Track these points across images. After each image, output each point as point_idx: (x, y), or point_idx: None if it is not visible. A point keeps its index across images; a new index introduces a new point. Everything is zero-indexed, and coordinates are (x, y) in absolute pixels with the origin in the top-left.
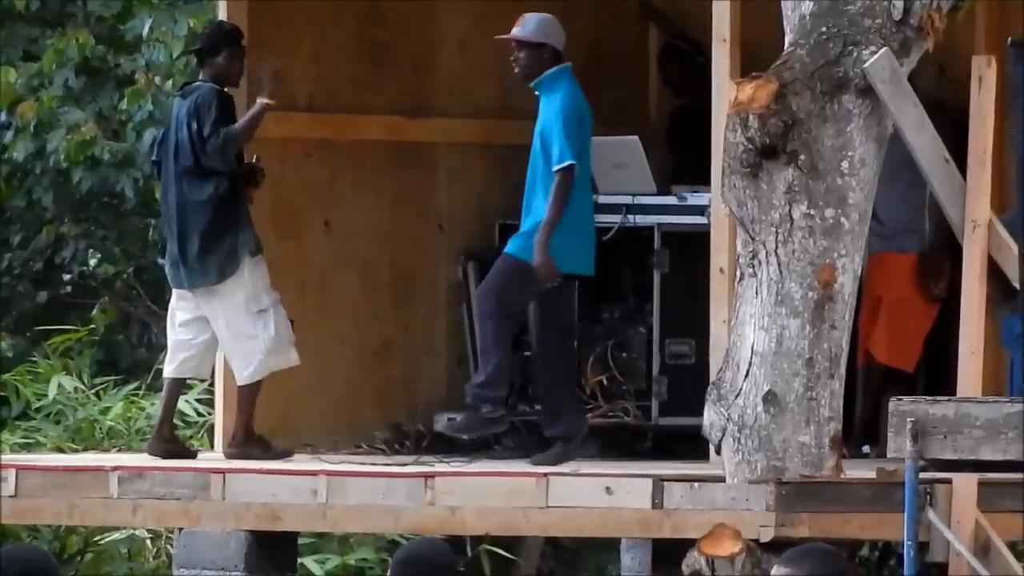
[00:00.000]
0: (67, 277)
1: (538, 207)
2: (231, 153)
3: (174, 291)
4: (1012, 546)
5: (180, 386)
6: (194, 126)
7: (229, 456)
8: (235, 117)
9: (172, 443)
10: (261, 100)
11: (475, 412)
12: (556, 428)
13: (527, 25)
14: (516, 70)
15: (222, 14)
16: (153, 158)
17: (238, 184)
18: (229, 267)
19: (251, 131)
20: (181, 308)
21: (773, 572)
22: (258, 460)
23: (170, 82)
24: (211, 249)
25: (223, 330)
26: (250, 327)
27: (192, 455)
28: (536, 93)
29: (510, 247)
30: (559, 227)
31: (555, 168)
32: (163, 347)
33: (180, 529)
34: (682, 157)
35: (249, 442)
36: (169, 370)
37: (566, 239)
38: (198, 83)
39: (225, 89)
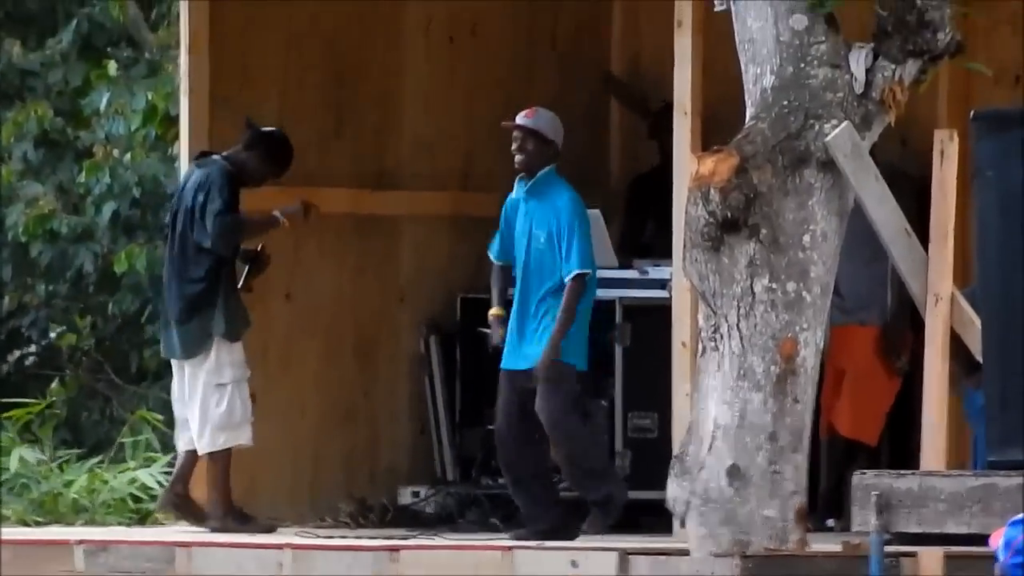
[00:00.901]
0: (29, 349)
1: (553, 303)
2: (234, 240)
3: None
4: None
5: (194, 456)
6: (199, 199)
7: (211, 529)
8: (238, 203)
9: (181, 498)
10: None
11: (607, 511)
12: (597, 492)
13: (543, 120)
14: (520, 158)
15: (183, 74)
16: (165, 220)
17: (228, 266)
18: (201, 344)
19: (256, 232)
20: (175, 380)
21: None
22: (238, 533)
23: (128, 155)
24: (188, 322)
25: (189, 399)
26: (206, 399)
27: (201, 518)
28: (522, 183)
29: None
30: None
31: (574, 274)
32: (124, 420)
33: None
34: (640, 226)
35: (227, 515)
36: (178, 445)
37: (578, 336)
38: (215, 157)
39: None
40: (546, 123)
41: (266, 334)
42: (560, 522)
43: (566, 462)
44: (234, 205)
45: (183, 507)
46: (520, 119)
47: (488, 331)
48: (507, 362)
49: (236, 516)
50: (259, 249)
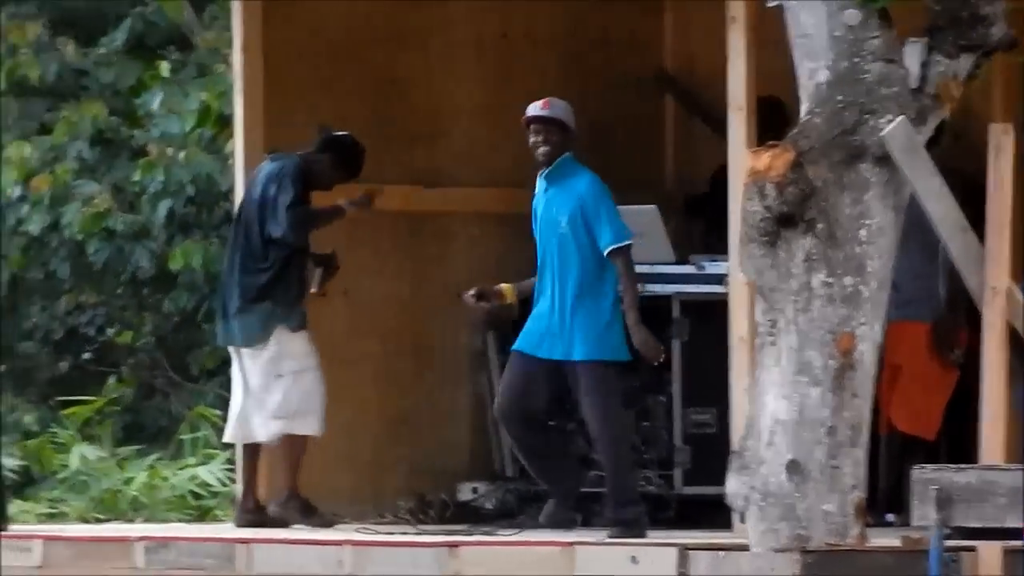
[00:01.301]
0: (87, 348)
1: (578, 290)
2: (305, 230)
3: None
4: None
5: (255, 451)
6: (271, 190)
7: (272, 514)
8: (309, 198)
9: (255, 513)
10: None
11: (632, 532)
12: (627, 512)
13: (559, 109)
14: (546, 149)
15: (236, 74)
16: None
17: (296, 258)
18: (263, 333)
19: (325, 222)
20: (234, 371)
21: None
22: (296, 523)
23: (183, 154)
24: (250, 312)
25: (248, 390)
26: (263, 389)
27: (285, 524)
28: (542, 176)
29: (583, 353)
30: (605, 314)
31: (616, 246)
32: (182, 417)
33: None
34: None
35: (290, 501)
36: (226, 436)
37: (615, 328)
38: (291, 155)
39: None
40: (563, 111)
41: (326, 333)
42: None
43: (611, 469)
44: (306, 199)
45: (259, 522)
46: (539, 111)
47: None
48: (528, 346)
49: (300, 505)
50: (331, 253)
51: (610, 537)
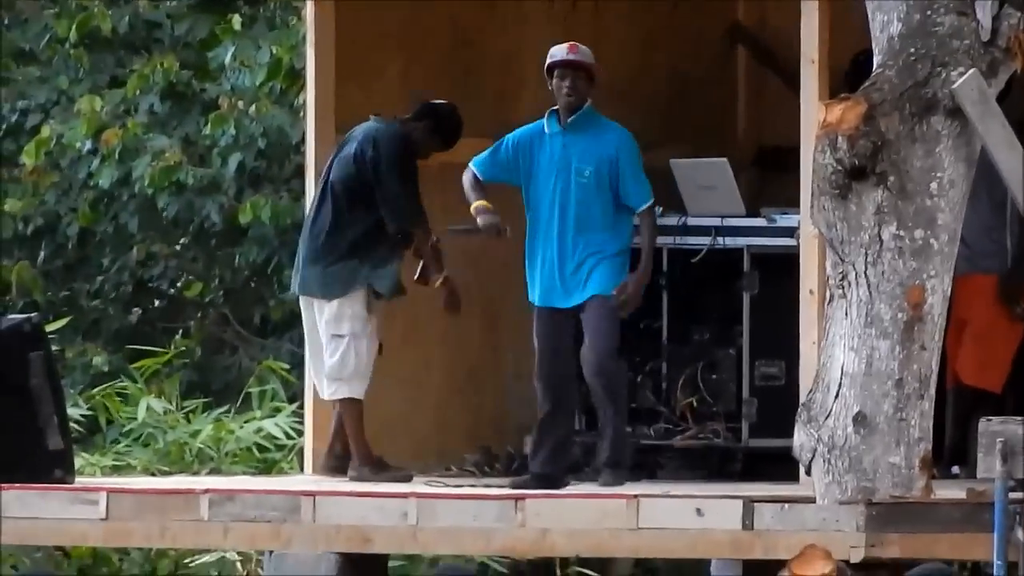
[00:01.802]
0: (157, 301)
1: (594, 238)
2: (407, 223)
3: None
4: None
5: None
6: (369, 152)
7: (349, 478)
8: (410, 171)
9: (339, 460)
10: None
11: (620, 468)
12: (616, 454)
13: (586, 54)
14: (574, 97)
15: (308, 26)
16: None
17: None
18: (344, 287)
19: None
20: (305, 325)
21: None
22: (371, 481)
23: (253, 107)
24: (329, 263)
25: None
26: (323, 348)
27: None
28: (558, 125)
29: (597, 289)
30: (619, 265)
31: (646, 207)
32: (250, 371)
33: (270, 551)
34: None
35: (363, 465)
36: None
37: (624, 274)
38: (397, 121)
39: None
40: (590, 57)
41: (420, 298)
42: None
43: (609, 406)
44: (411, 184)
45: (341, 471)
46: (568, 55)
47: (467, 227)
48: (547, 299)
49: (373, 465)
50: (436, 241)
51: (604, 482)
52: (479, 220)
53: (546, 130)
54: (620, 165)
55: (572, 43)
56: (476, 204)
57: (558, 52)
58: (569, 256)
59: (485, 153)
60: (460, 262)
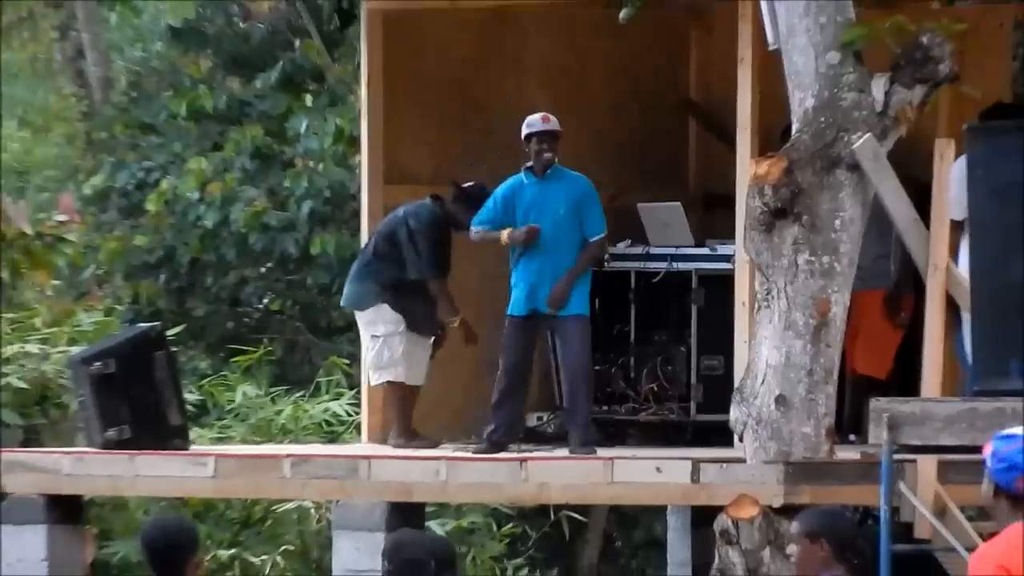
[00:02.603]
0: (248, 313)
1: (565, 260)
2: (422, 274)
3: None
4: (963, 510)
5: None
6: (410, 224)
7: (392, 446)
8: (441, 236)
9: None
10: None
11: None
12: (587, 434)
13: (556, 123)
14: (549, 156)
15: (363, 104)
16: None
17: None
18: (363, 301)
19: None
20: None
21: (792, 527)
22: (407, 448)
23: (321, 165)
24: (361, 284)
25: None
26: (366, 346)
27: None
28: (535, 176)
29: (578, 309)
30: (585, 282)
31: (600, 236)
32: (319, 365)
33: (337, 501)
34: None
35: (401, 436)
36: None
37: (586, 290)
38: (438, 202)
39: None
40: (558, 125)
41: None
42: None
43: (584, 400)
44: (441, 254)
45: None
46: (546, 126)
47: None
48: (527, 307)
49: (409, 436)
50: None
51: (573, 451)
52: (510, 236)
53: (524, 182)
54: (583, 203)
55: (544, 114)
56: (501, 232)
57: (535, 123)
58: (548, 275)
59: (480, 214)
60: (480, 282)
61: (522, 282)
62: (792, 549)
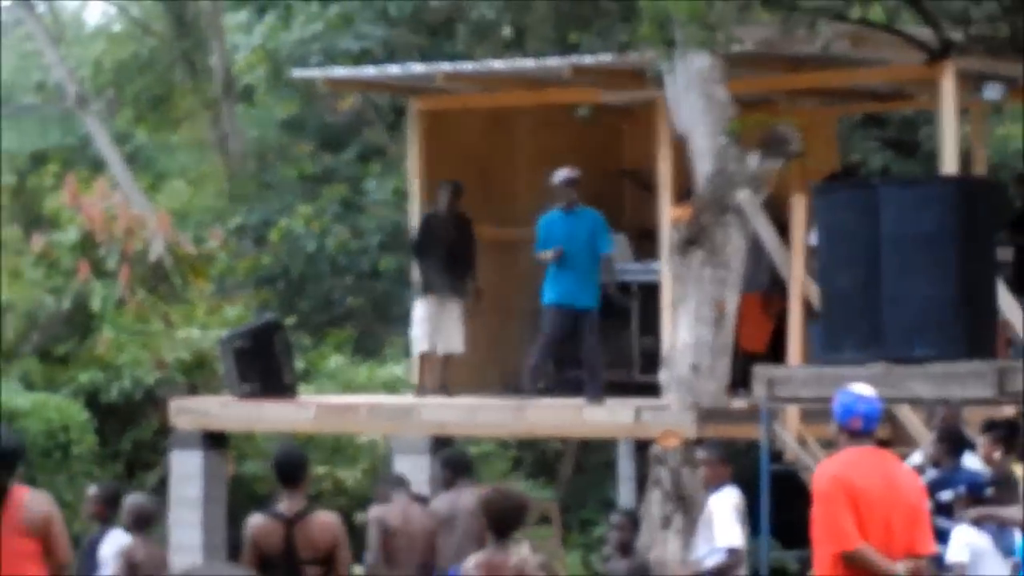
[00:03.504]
0: (336, 306)
1: (590, 271)
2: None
3: None
4: (817, 441)
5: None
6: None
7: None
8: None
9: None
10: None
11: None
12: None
13: (576, 172)
14: (574, 197)
15: (411, 169)
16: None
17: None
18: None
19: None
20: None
21: (698, 453)
22: (444, 396)
23: (384, 211)
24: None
25: None
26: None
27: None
28: (564, 212)
29: (594, 304)
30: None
31: (608, 252)
32: (382, 345)
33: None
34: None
35: (441, 388)
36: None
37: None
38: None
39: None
40: (577, 173)
41: (469, 319)
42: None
43: (597, 366)
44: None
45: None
46: (574, 175)
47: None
48: (567, 301)
49: (444, 389)
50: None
51: (591, 401)
52: (544, 256)
53: (556, 216)
54: (597, 229)
55: (569, 167)
56: (542, 253)
57: (562, 174)
58: (578, 281)
59: (537, 242)
60: (494, 294)
61: (560, 285)
62: (701, 470)
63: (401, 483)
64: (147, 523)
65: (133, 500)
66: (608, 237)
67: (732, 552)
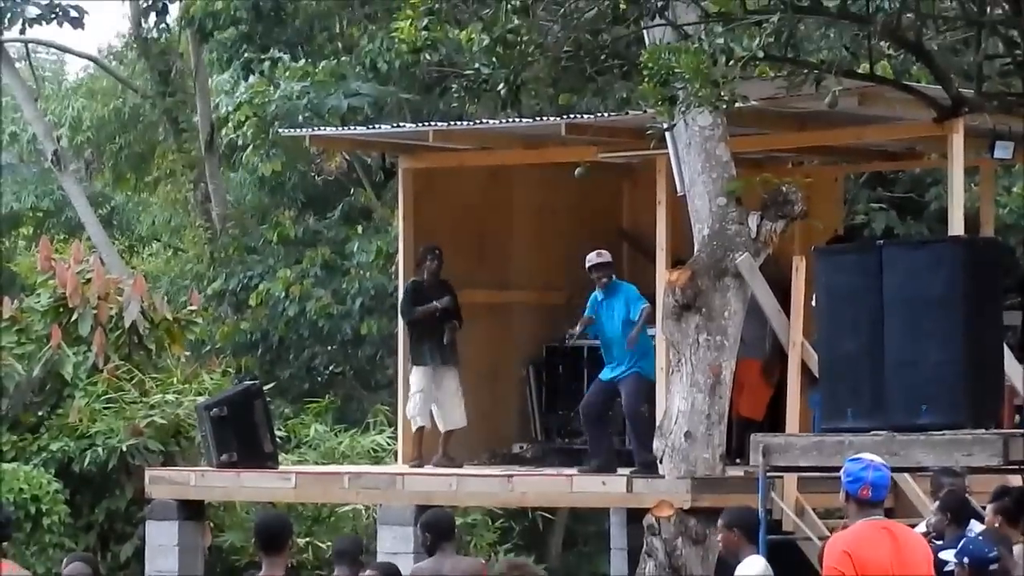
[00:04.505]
0: (319, 375)
1: (620, 354)
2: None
3: None
4: (815, 510)
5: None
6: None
7: (435, 464)
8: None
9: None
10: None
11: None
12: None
13: (606, 256)
14: (605, 281)
15: (400, 231)
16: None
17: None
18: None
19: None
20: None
21: (718, 522)
22: (441, 467)
23: (368, 273)
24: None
25: None
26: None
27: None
28: (601, 291)
29: (637, 368)
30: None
31: (640, 312)
32: (368, 411)
33: (380, 504)
34: None
35: (442, 459)
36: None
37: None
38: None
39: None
40: (607, 257)
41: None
42: (606, 462)
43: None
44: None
45: (448, 464)
46: (599, 260)
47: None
48: (604, 375)
49: (447, 460)
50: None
51: (634, 474)
52: (579, 326)
53: (599, 298)
54: (629, 301)
55: (599, 251)
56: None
57: (592, 259)
58: (616, 356)
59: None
60: (484, 351)
61: (604, 361)
62: (717, 537)
63: (345, 554)
64: None
65: (70, 570)
66: (636, 301)
67: None
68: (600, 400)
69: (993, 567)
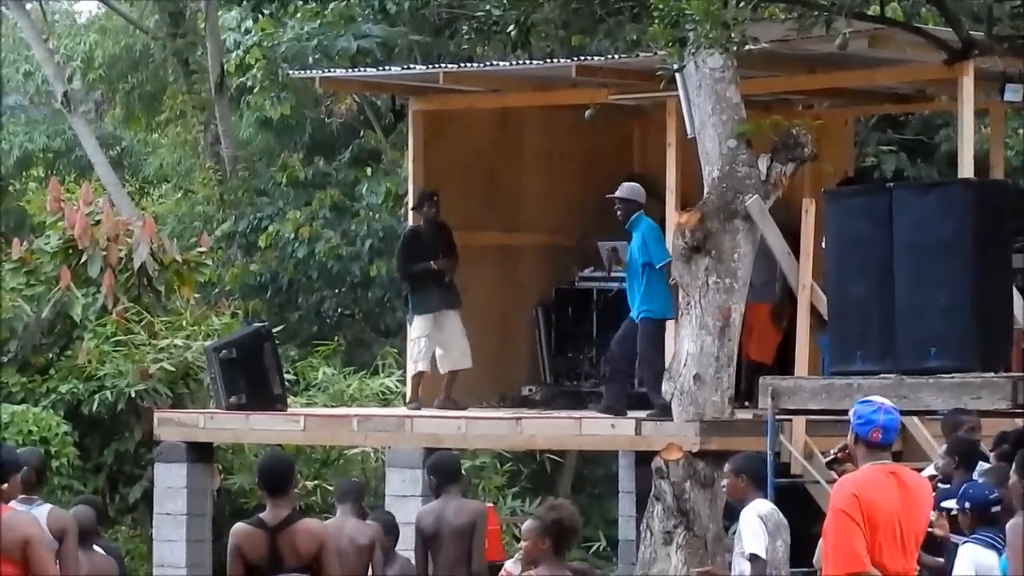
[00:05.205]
0: (329, 316)
1: (633, 295)
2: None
3: None
4: (822, 453)
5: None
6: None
7: (438, 406)
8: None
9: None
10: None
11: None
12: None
13: (624, 190)
14: (620, 215)
15: (409, 172)
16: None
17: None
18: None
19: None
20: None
21: (725, 467)
22: (445, 410)
23: (378, 215)
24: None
25: None
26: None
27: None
28: (627, 227)
29: (644, 313)
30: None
31: (662, 264)
32: (376, 354)
33: (389, 447)
34: None
35: (446, 401)
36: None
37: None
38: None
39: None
40: (625, 191)
41: (465, 311)
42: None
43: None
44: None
45: (451, 406)
46: (619, 192)
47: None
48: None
49: (450, 403)
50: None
51: (649, 416)
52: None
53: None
54: (646, 243)
55: (622, 184)
56: None
57: (620, 190)
58: (632, 291)
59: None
60: (494, 294)
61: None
62: (723, 483)
63: (348, 495)
64: (86, 537)
65: (75, 512)
66: (654, 245)
67: (754, 560)
68: (625, 337)
69: (995, 508)
